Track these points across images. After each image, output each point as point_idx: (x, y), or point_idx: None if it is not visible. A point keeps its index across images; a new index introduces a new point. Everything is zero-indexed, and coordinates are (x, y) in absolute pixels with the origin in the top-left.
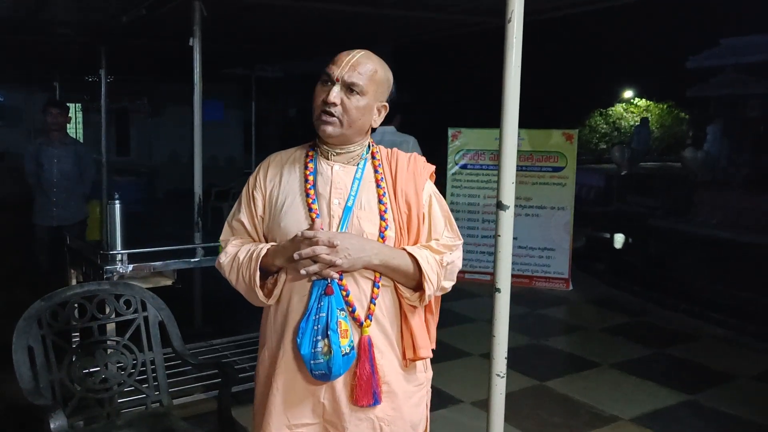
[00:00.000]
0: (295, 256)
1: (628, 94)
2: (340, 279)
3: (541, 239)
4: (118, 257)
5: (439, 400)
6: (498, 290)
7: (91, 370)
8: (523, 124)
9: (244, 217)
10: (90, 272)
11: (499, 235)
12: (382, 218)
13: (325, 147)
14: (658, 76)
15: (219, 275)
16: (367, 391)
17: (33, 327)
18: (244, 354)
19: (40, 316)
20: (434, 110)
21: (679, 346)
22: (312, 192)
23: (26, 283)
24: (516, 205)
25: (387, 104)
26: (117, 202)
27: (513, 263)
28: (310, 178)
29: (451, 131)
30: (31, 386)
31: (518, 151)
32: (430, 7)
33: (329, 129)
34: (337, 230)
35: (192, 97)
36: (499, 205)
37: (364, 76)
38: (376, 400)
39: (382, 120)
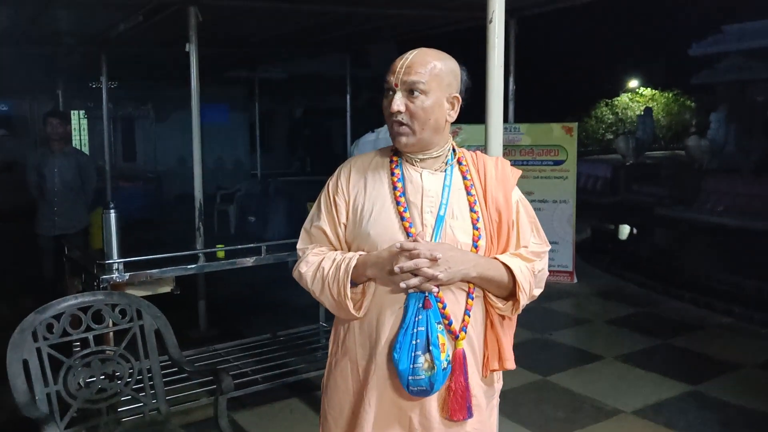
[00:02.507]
0: (396, 269)
1: (633, 83)
2: (437, 291)
3: (545, 233)
4: (115, 266)
5: None
6: None
7: (87, 380)
8: (525, 118)
9: (324, 224)
10: (89, 281)
11: None
12: (474, 227)
13: (409, 155)
14: (663, 65)
15: (223, 279)
16: (462, 405)
17: (27, 339)
18: (247, 358)
19: (34, 328)
20: None
21: (684, 337)
22: (402, 200)
23: (30, 292)
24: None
25: (459, 95)
26: (112, 211)
27: None
28: (399, 185)
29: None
30: (26, 399)
31: (518, 145)
32: (426, 4)
33: (403, 140)
34: (431, 240)
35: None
36: None
37: (422, 74)
38: (470, 413)
39: (458, 113)
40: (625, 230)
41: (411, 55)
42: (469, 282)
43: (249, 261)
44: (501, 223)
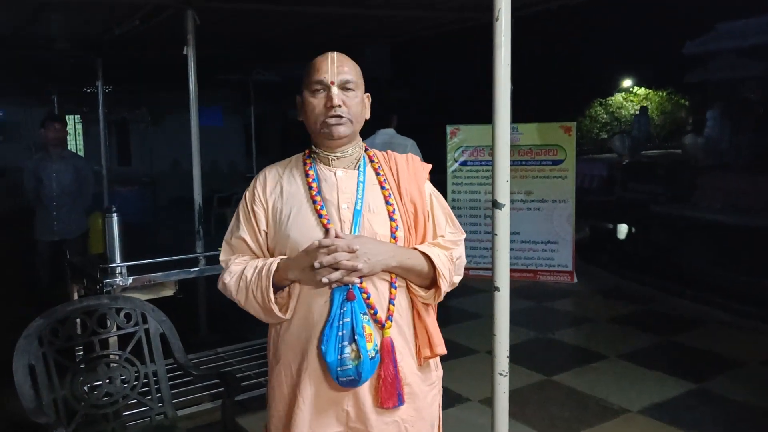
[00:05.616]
0: (316, 265)
1: (627, 82)
2: (360, 282)
3: (544, 233)
4: (118, 270)
5: (447, 398)
6: (497, 289)
7: (93, 385)
8: (522, 118)
9: (245, 234)
10: (91, 286)
11: (496, 234)
12: (391, 219)
13: (325, 153)
14: (656, 64)
15: None
16: (392, 392)
17: (33, 345)
18: (250, 361)
19: (40, 333)
20: (432, 108)
21: (686, 334)
22: (319, 198)
23: (29, 298)
24: (517, 200)
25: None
26: (114, 214)
27: (517, 258)
28: (314, 185)
29: (449, 128)
30: (33, 405)
31: (517, 145)
32: (421, 5)
33: (342, 129)
34: (350, 234)
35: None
36: (495, 204)
37: (351, 72)
38: (400, 401)
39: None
40: (624, 229)
41: (335, 55)
42: (390, 272)
43: None
44: (417, 214)
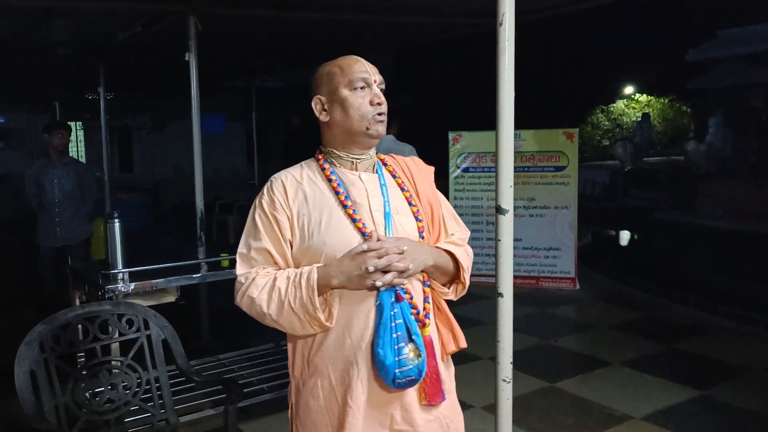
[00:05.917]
0: (370, 269)
1: (629, 89)
2: (406, 284)
3: (546, 239)
4: (120, 276)
5: None
6: (501, 295)
7: (95, 391)
8: (524, 124)
9: (267, 244)
10: (93, 292)
11: (500, 240)
12: (417, 220)
13: (350, 156)
14: (658, 71)
15: (226, 289)
16: (438, 388)
17: (35, 351)
18: (253, 367)
19: (41, 339)
20: (434, 114)
21: (690, 341)
22: (349, 203)
23: (32, 304)
24: (520, 206)
25: None
26: (116, 220)
27: (519, 264)
28: (340, 189)
29: (451, 135)
30: (34, 411)
31: (520, 152)
32: (425, 11)
33: (383, 128)
34: (389, 237)
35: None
36: (499, 210)
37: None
38: (443, 396)
39: None
40: (626, 235)
41: (363, 59)
42: (423, 271)
43: None
44: (433, 214)
